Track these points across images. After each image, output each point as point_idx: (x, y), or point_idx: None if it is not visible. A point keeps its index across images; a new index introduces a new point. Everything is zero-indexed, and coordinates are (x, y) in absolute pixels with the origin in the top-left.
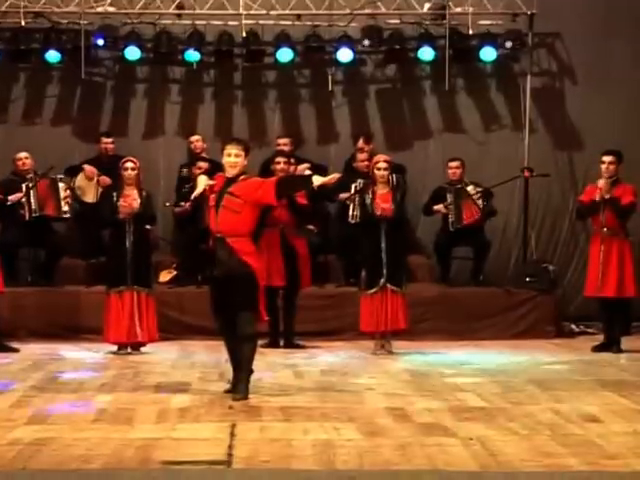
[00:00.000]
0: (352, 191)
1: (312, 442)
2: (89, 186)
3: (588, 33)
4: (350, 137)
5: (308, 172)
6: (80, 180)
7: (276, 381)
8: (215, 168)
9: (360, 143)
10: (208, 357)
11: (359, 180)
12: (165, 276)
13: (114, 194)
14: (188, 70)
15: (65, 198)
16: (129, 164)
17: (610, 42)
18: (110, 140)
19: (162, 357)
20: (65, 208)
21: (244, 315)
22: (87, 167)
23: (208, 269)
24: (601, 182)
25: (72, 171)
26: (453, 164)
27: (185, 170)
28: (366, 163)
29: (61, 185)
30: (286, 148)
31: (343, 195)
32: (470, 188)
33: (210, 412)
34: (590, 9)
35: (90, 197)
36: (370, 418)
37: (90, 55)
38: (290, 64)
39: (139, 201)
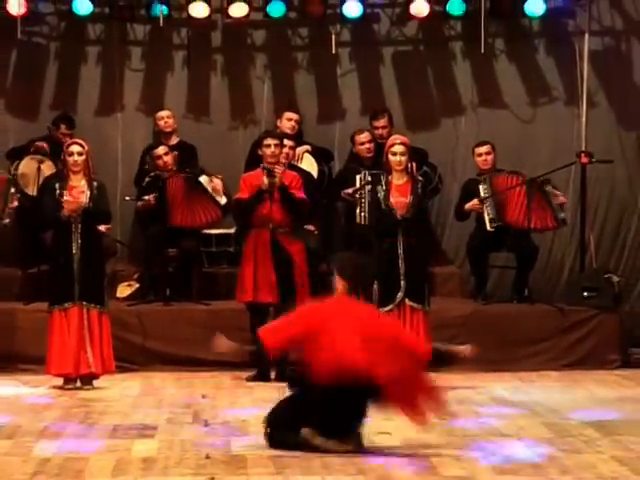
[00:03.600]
0: (357, 184)
1: None
2: (34, 174)
3: None
4: (359, 114)
5: (308, 156)
6: (25, 166)
7: None
8: (187, 152)
9: (381, 121)
10: (178, 393)
11: (364, 172)
12: (124, 290)
13: (57, 185)
14: (153, 28)
15: (12, 201)
16: (75, 147)
17: None
18: (71, 132)
19: (120, 393)
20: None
21: None
22: (39, 143)
23: None
24: None
25: (16, 154)
26: (482, 149)
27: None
28: (367, 146)
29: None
30: (294, 125)
31: (347, 190)
32: (550, 188)
33: (181, 463)
34: None
35: (32, 188)
36: (385, 471)
37: (28, 9)
38: (283, 20)
39: (88, 194)
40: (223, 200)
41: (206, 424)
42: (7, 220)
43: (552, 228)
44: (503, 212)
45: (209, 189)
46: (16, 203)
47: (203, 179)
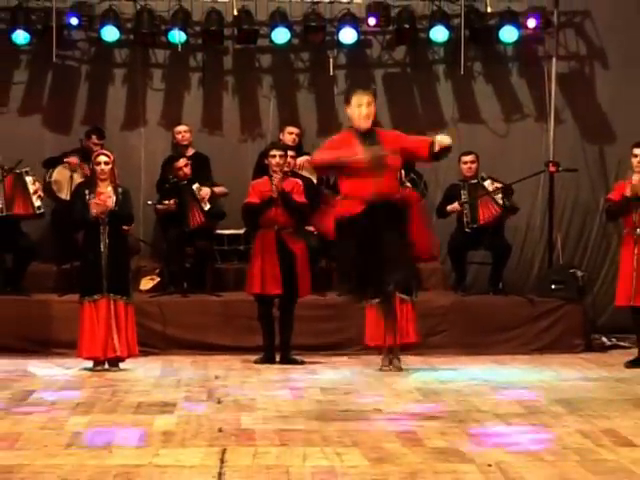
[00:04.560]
0: None
1: (312, 469)
2: (67, 181)
3: (621, 11)
4: None
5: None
6: (58, 173)
7: (271, 401)
8: (201, 162)
9: None
10: (194, 374)
11: None
12: (146, 283)
13: (86, 191)
14: (172, 53)
15: (35, 192)
16: (102, 158)
17: None
18: (101, 142)
19: (143, 374)
20: (37, 203)
21: None
22: (70, 158)
23: None
24: (635, 178)
25: (51, 163)
26: (467, 158)
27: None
28: None
29: (28, 179)
30: (295, 138)
31: None
32: (487, 183)
33: (197, 436)
34: None
35: (65, 193)
36: (377, 442)
37: (62, 36)
38: (287, 46)
39: (114, 198)
40: (207, 207)
41: (219, 401)
42: (40, 206)
43: (497, 215)
44: (478, 215)
45: (198, 197)
46: (38, 185)
47: (195, 186)
